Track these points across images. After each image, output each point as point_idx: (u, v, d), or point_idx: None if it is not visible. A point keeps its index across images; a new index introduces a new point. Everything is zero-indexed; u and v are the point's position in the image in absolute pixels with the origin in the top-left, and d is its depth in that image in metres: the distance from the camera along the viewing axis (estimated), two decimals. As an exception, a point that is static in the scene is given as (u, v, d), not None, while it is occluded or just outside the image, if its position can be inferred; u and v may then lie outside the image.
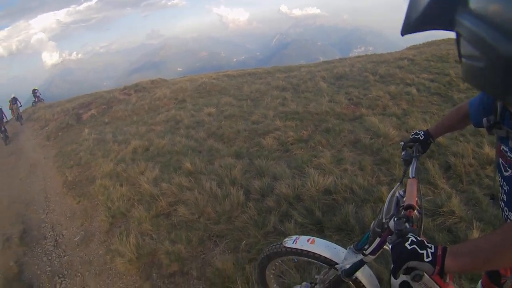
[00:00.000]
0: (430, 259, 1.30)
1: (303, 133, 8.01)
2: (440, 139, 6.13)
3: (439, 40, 21.11)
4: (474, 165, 5.41)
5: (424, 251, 1.33)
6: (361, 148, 6.71)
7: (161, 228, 5.67)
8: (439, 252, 1.31)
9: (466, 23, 0.87)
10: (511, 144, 1.61)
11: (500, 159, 1.77)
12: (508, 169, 1.70)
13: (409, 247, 1.36)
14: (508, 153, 1.66)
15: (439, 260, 1.29)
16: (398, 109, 8.76)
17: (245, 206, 5.35)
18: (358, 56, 22.16)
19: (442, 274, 1.30)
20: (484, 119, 1.69)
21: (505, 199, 1.81)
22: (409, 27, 1.11)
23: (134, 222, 6.03)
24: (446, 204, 4.30)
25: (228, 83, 17.59)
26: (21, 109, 26.03)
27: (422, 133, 2.47)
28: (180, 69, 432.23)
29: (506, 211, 1.78)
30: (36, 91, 32.43)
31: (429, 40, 21.94)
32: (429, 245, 1.36)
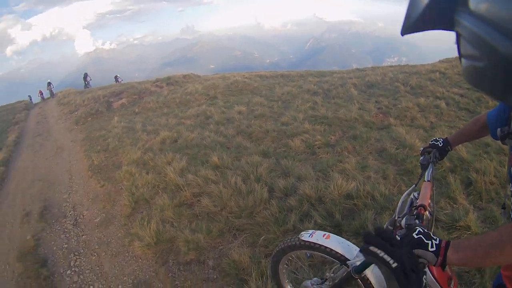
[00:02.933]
0: (434, 249, 1.38)
1: (331, 138, 8.04)
2: (464, 154, 6.11)
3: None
4: (495, 183, 5.32)
5: (429, 242, 1.40)
6: (386, 157, 6.69)
7: (182, 217, 5.77)
8: (443, 244, 1.39)
9: (466, 23, 0.88)
10: None
11: (511, 168, 1.75)
12: None
13: (415, 236, 1.44)
14: None
15: (442, 251, 1.37)
16: (426, 121, 8.70)
17: (268, 203, 5.41)
18: (391, 66, 21.83)
19: (444, 265, 1.37)
20: (498, 130, 1.77)
21: None
22: (409, 27, 1.13)
23: (157, 209, 6.13)
24: (463, 219, 4.30)
25: (260, 83, 17.60)
26: (54, 91, 33.06)
27: (442, 140, 2.53)
28: (213, 66, 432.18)
29: None
30: (86, 75, 35.32)
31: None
32: (435, 237, 1.43)
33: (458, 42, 0.99)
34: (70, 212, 7.48)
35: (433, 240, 1.41)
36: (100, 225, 6.61)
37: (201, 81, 21.13)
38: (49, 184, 9.39)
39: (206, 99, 16.01)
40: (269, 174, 6.48)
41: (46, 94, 34.67)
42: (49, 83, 33.85)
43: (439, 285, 1.75)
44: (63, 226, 6.97)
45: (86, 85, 34.69)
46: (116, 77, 35.22)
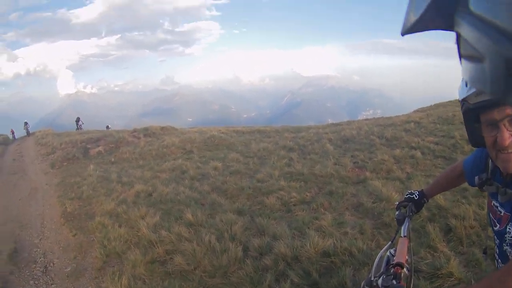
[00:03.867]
0: None
1: (307, 195, 8.02)
2: (442, 202, 6.16)
3: (446, 102, 21.50)
4: (475, 226, 5.40)
5: None
6: (362, 212, 6.71)
7: (155, 274, 5.68)
8: None
9: (466, 23, 0.82)
10: (500, 199, 1.67)
11: (491, 214, 1.82)
12: (497, 224, 1.75)
13: None
14: (499, 208, 1.71)
15: None
16: (402, 173, 8.80)
17: (243, 262, 5.35)
18: (366, 119, 22.38)
19: None
20: (476, 178, 1.79)
21: (497, 252, 1.85)
22: (409, 28, 1.02)
23: (129, 264, 6.03)
24: (444, 266, 4.28)
25: (237, 139, 17.76)
26: (30, 131, 35.75)
27: (417, 193, 2.51)
28: (191, 119, 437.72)
29: (500, 263, 1.81)
30: (79, 119, 37.36)
31: (437, 101, 22.38)
32: None
33: (458, 42, 0.90)
34: (40, 258, 7.27)
35: None
36: (71, 275, 6.43)
37: (178, 134, 21.30)
38: (21, 226, 9.16)
39: (182, 152, 16.06)
40: (244, 232, 6.43)
41: (21, 133, 36.77)
42: (25, 123, 36.35)
43: None
44: (33, 272, 6.75)
45: (78, 128, 36.18)
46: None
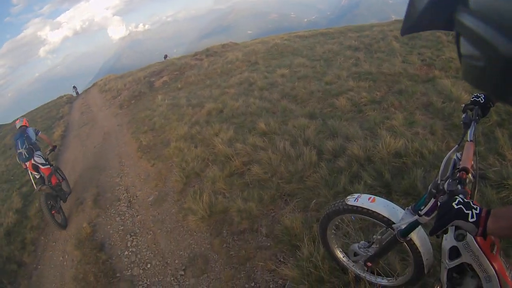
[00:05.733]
0: (474, 219, 1.37)
1: (377, 94, 7.90)
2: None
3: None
4: None
5: (470, 212, 1.39)
6: (433, 112, 6.47)
7: (234, 187, 5.87)
8: (483, 214, 1.37)
9: (466, 22, 0.87)
10: None
11: None
12: None
13: (455, 207, 1.43)
14: None
15: (482, 221, 1.35)
16: (472, 71, 8.31)
17: (317, 166, 5.43)
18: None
19: (484, 235, 1.37)
20: None
21: None
22: (409, 27, 1.13)
23: (208, 181, 6.26)
24: None
25: (300, 44, 17.37)
26: (90, 83, 35.10)
27: (483, 96, 2.42)
28: (250, 32, 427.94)
29: None
30: (74, 87, 36.60)
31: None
32: (475, 206, 1.41)
33: (458, 42, 0.97)
34: (123, 194, 7.75)
35: (473, 210, 1.40)
36: (154, 203, 6.83)
37: (240, 48, 21.04)
38: (100, 171, 9.68)
39: (247, 65, 15.90)
40: (317, 136, 6.47)
41: (84, 87, 38.38)
42: (74, 87, 36.54)
43: (482, 251, 1.76)
44: (118, 209, 7.26)
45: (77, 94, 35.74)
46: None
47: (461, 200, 1.45)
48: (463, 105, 2.48)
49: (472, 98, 2.46)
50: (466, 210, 1.40)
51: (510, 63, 0.76)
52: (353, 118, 7.13)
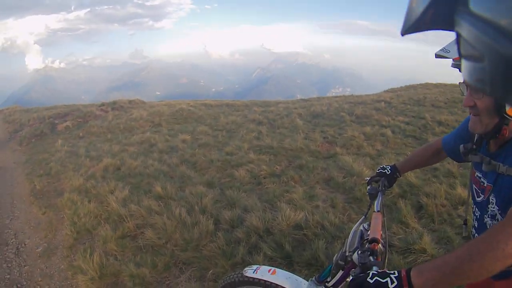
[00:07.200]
0: (395, 283, 1.31)
1: (276, 168, 7.98)
2: (413, 179, 6.25)
3: (417, 84, 21.91)
4: (446, 205, 5.48)
5: (387, 279, 1.33)
6: (333, 186, 6.71)
7: (126, 249, 5.59)
8: (403, 273, 1.33)
9: (466, 23, 0.88)
10: (484, 168, 1.71)
11: (473, 185, 1.89)
12: (481, 195, 1.80)
13: (371, 281, 1.36)
14: (482, 179, 1.78)
15: (404, 281, 1.30)
16: (373, 149, 8.85)
17: (214, 235, 5.30)
18: (336, 96, 22.54)
19: None
20: (461, 146, 1.88)
21: (476, 225, 1.92)
22: (409, 27, 1.11)
23: (99, 240, 5.92)
24: (417, 242, 4.34)
25: (205, 112, 17.65)
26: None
27: (389, 167, 2.53)
28: (159, 93, 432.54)
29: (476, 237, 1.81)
30: None
31: (408, 84, 22.67)
32: (391, 272, 1.36)
33: (458, 42, 0.99)
34: (11, 239, 7.10)
35: (391, 275, 1.35)
36: (43, 255, 6.28)
37: (146, 107, 21.04)
38: None
39: (150, 126, 15.86)
40: (214, 205, 6.37)
41: None
42: None
43: None
44: (5, 254, 6.57)
45: None
46: None
47: (375, 273, 1.40)
48: (367, 178, 2.61)
49: (378, 170, 2.56)
50: (383, 279, 1.35)
51: (510, 63, 0.76)
52: (252, 190, 7.12)
